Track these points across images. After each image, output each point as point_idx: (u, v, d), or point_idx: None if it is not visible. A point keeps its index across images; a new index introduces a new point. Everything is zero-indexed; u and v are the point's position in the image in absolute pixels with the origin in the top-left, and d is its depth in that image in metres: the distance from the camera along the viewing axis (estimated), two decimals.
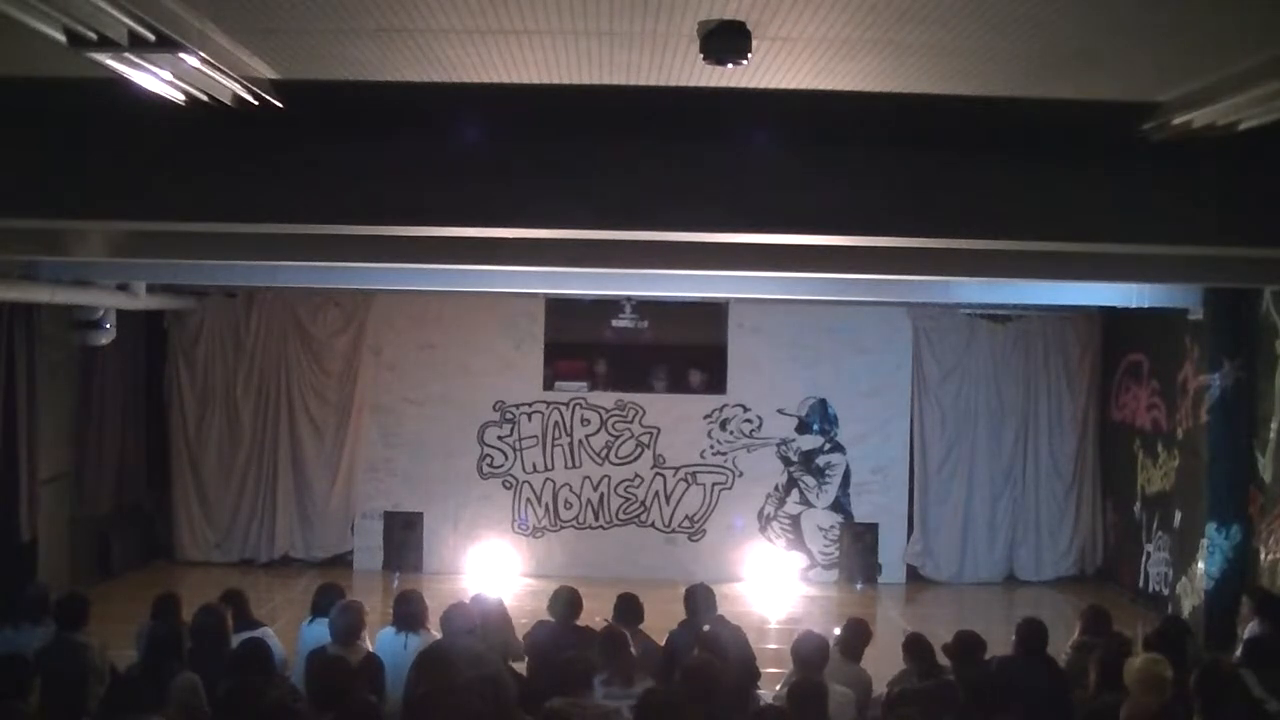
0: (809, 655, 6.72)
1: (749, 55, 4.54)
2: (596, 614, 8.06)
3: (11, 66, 5.11)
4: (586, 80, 5.30)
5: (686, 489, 14.05)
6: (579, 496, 14.09)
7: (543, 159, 6.16)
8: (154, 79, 4.70)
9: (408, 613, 7.57)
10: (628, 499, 14.08)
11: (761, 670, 7.73)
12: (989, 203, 6.29)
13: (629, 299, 12.81)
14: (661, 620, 8.08)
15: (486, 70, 5.16)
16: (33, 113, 5.86)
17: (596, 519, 14.09)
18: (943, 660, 6.90)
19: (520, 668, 7.59)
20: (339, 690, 5.83)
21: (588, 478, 14.09)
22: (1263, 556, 10.75)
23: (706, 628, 7.63)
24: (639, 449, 14.09)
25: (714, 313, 13.90)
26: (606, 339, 13.96)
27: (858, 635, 7.31)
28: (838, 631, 7.35)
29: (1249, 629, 8.09)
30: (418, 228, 6.83)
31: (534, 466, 14.08)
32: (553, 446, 14.11)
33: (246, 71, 5.05)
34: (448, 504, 13.92)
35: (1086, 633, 7.71)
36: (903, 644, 7.03)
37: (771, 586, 13.43)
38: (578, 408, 14.09)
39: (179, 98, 5.00)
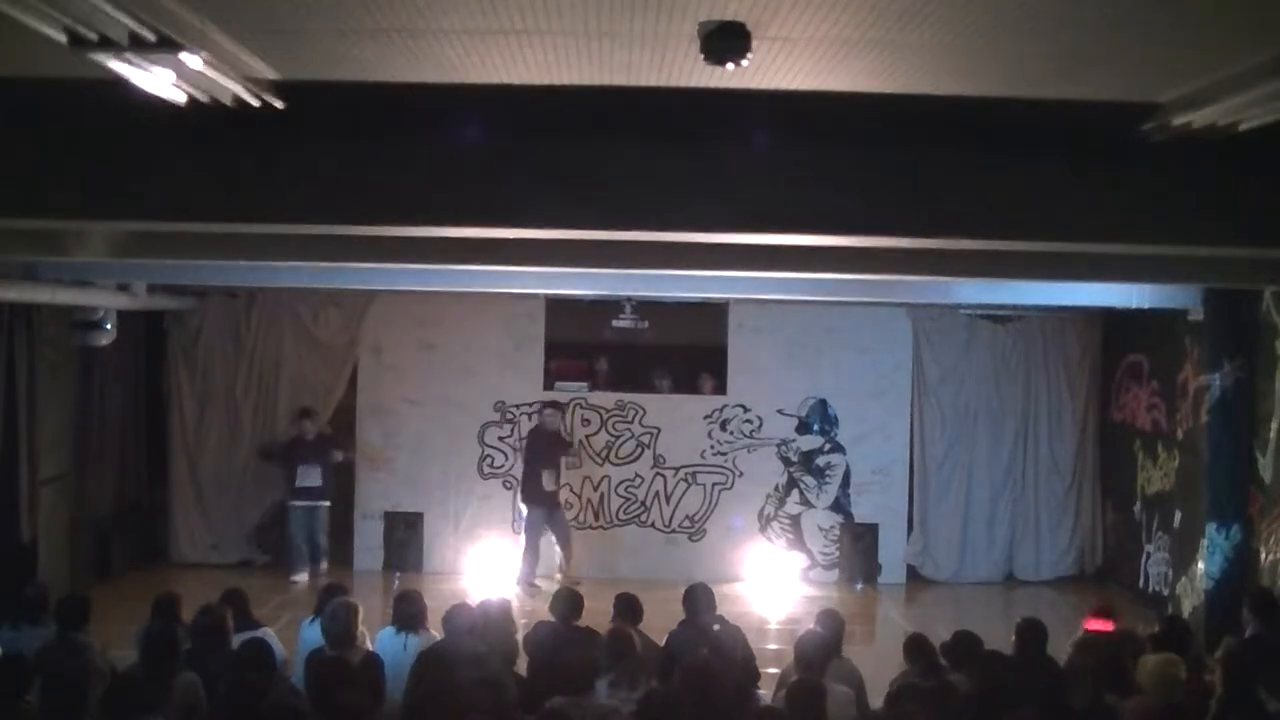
0: (811, 654, 6.73)
1: (749, 55, 4.55)
2: (596, 614, 8.06)
3: (11, 66, 5.11)
4: (586, 80, 5.30)
5: (687, 489, 14.04)
6: (579, 496, 14.06)
7: (543, 159, 6.17)
8: (155, 79, 4.71)
9: (408, 613, 7.58)
10: (628, 499, 14.06)
11: (761, 670, 7.73)
12: (989, 203, 6.29)
13: (629, 299, 12.79)
14: (661, 620, 8.08)
15: (486, 70, 5.16)
16: (33, 113, 5.86)
17: (597, 519, 14.07)
18: (943, 660, 6.90)
19: (521, 668, 7.58)
20: (336, 691, 5.85)
21: (588, 478, 14.06)
22: (1263, 556, 10.75)
23: (717, 627, 7.64)
24: (639, 449, 14.07)
25: (714, 313, 13.89)
26: (607, 339, 13.94)
27: (837, 629, 7.31)
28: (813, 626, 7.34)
29: (1250, 630, 8.10)
30: (418, 228, 6.83)
31: None
32: None
33: (247, 71, 5.05)
34: (448, 504, 13.91)
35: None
36: (904, 644, 7.03)
37: (771, 587, 13.43)
38: (578, 408, 14.08)
39: (180, 98, 5.01)
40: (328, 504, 13.33)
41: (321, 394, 13.92)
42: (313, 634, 7.51)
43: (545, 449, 13.22)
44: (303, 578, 12.96)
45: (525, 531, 13.30)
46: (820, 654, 6.77)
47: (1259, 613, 7.88)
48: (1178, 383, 12.03)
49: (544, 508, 13.18)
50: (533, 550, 13.20)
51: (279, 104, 5.45)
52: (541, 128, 6.06)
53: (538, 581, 12.92)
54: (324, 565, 13.31)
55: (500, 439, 14.02)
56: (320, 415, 13.72)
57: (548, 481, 13.15)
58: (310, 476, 13.15)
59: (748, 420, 13.99)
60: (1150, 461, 13.00)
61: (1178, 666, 6.28)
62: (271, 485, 13.76)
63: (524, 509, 13.34)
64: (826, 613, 7.58)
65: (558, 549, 13.34)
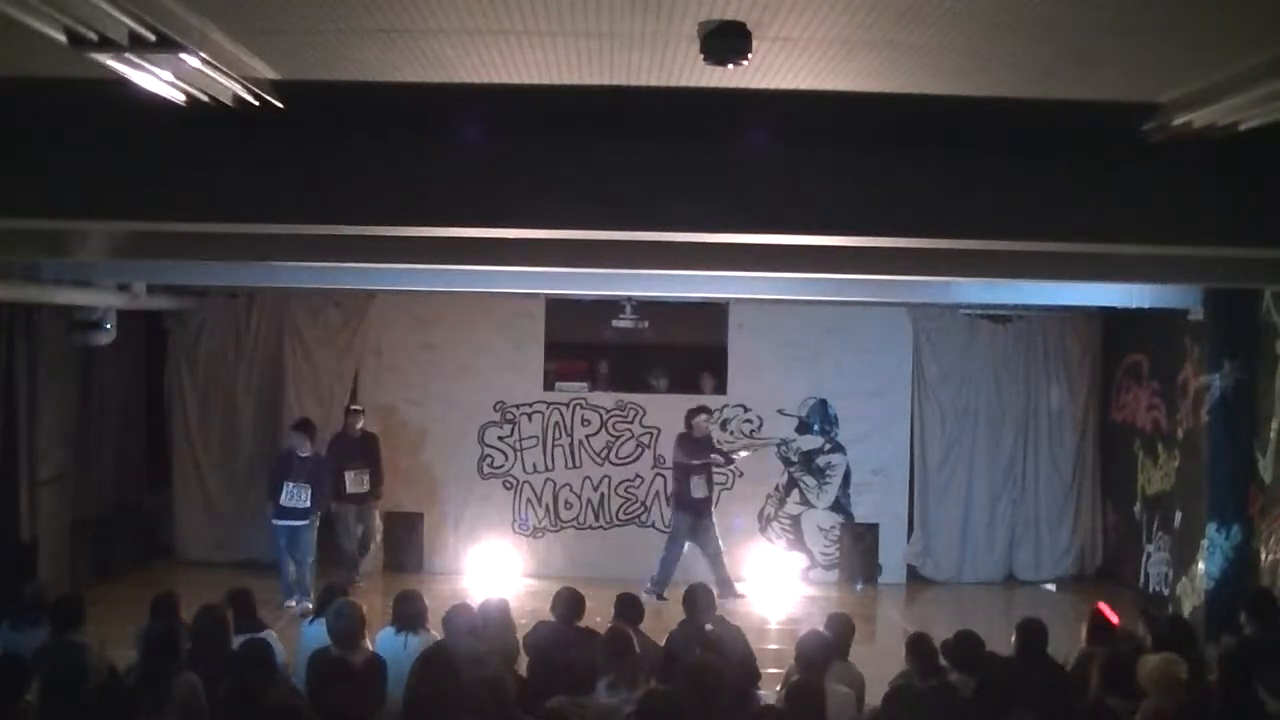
0: (811, 654, 6.73)
1: (749, 55, 4.55)
2: (597, 614, 8.06)
3: (11, 66, 5.11)
4: (587, 80, 5.30)
5: None
6: (579, 497, 14.07)
7: (543, 159, 6.16)
8: (154, 79, 4.71)
9: (408, 613, 7.58)
10: (628, 499, 14.06)
11: (761, 670, 7.73)
12: (989, 203, 6.29)
13: (629, 299, 12.79)
14: (662, 620, 8.08)
15: (486, 70, 5.16)
16: (33, 113, 5.86)
17: (597, 519, 14.08)
18: (944, 660, 6.90)
19: (521, 668, 7.58)
20: (337, 691, 5.85)
21: (588, 478, 14.07)
22: (1263, 557, 10.74)
23: (709, 627, 7.64)
24: (639, 449, 14.07)
25: (714, 313, 13.89)
26: (607, 339, 13.94)
27: (845, 632, 7.33)
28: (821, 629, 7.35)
29: (1247, 630, 8.09)
30: (418, 228, 6.83)
31: (534, 467, 14.07)
32: (553, 447, 14.10)
33: (246, 71, 5.05)
34: (448, 504, 13.91)
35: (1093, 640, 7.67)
36: (906, 643, 7.03)
37: (772, 587, 13.42)
38: (578, 408, 14.07)
39: (179, 98, 5.01)
40: (315, 522, 12.05)
41: (325, 395, 13.90)
42: (313, 634, 7.51)
43: (695, 454, 12.91)
44: (293, 604, 11.72)
45: (669, 539, 13.01)
46: (821, 654, 6.77)
47: (1256, 613, 7.88)
48: (1178, 383, 12.02)
49: (691, 514, 12.88)
50: (672, 559, 12.85)
51: (279, 104, 5.45)
52: (541, 128, 6.06)
53: (666, 594, 12.27)
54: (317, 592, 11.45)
55: (500, 439, 14.02)
56: (325, 421, 13.53)
57: (696, 488, 12.87)
58: (297, 497, 11.87)
59: (748, 420, 13.98)
60: (1150, 461, 13.00)
61: (1179, 666, 6.28)
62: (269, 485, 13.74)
63: (673, 517, 13.06)
64: (835, 616, 7.58)
65: (705, 559, 12.91)
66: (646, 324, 13.31)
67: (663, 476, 14.00)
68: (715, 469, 13.09)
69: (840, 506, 14.16)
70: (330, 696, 5.88)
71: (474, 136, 6.04)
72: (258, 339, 14.02)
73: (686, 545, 12.89)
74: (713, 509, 13.06)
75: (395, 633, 7.47)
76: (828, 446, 14.14)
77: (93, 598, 8.83)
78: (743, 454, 13.53)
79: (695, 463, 12.79)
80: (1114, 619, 7.76)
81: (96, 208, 6.32)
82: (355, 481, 12.73)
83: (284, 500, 11.87)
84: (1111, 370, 14.17)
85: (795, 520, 14.14)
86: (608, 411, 14.09)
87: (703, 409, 13.21)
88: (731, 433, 14.01)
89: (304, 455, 12.05)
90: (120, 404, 13.26)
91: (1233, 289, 10.70)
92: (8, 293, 9.95)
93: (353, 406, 13.19)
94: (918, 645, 6.89)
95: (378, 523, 13.18)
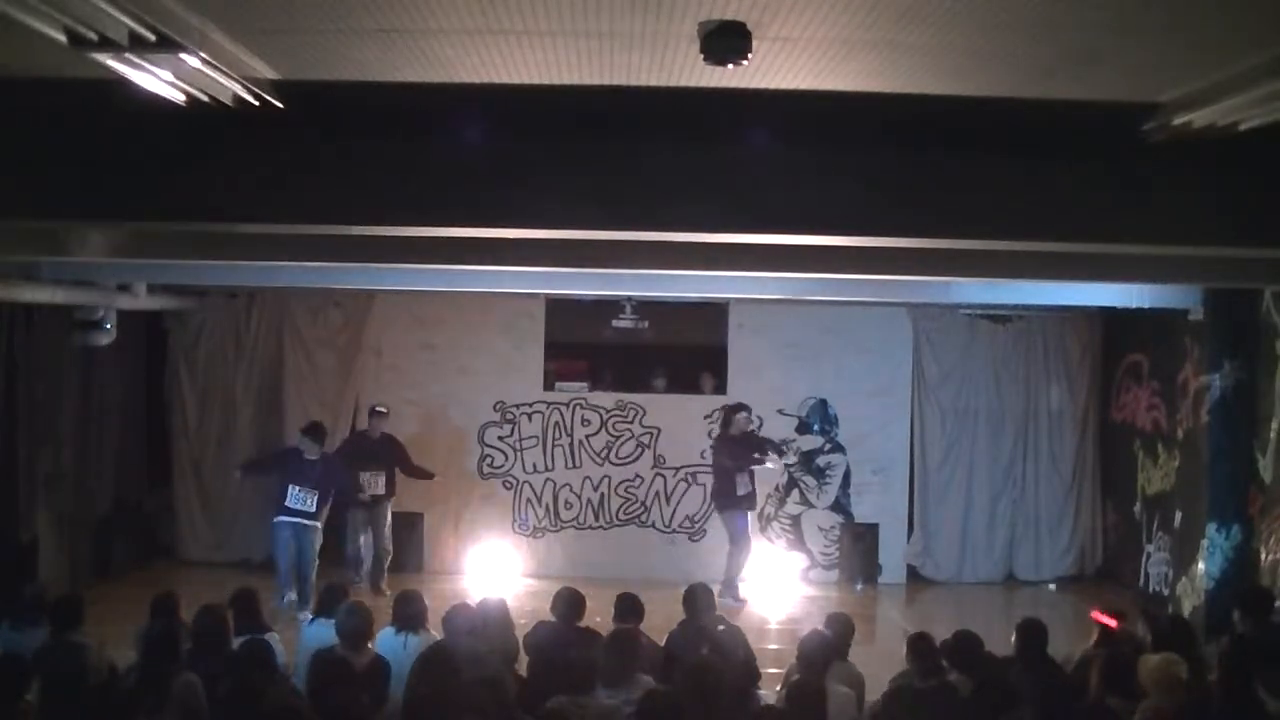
0: (812, 654, 6.74)
1: (749, 55, 4.55)
2: (597, 614, 8.07)
3: (11, 66, 5.11)
4: (587, 80, 5.31)
5: (687, 489, 14.03)
6: (579, 497, 14.07)
7: (543, 159, 6.17)
8: (154, 79, 4.71)
9: (408, 613, 7.58)
10: (628, 499, 14.06)
11: (761, 670, 7.73)
12: (989, 203, 6.29)
13: (629, 299, 12.79)
14: (661, 620, 8.08)
15: (486, 70, 5.16)
16: (33, 113, 5.86)
17: (597, 519, 14.07)
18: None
19: (521, 668, 7.58)
20: (337, 691, 5.85)
21: (588, 478, 14.07)
22: (1263, 557, 10.74)
23: (722, 627, 7.65)
24: (639, 449, 14.07)
25: (714, 313, 13.89)
26: (607, 339, 13.93)
27: (845, 632, 7.34)
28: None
29: (1240, 628, 8.09)
30: (418, 228, 6.83)
31: (534, 467, 14.06)
32: (553, 447, 14.10)
33: (246, 71, 5.06)
34: (448, 504, 13.91)
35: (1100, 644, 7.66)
36: (906, 643, 7.03)
37: (772, 587, 13.42)
38: (578, 408, 14.07)
39: (179, 98, 5.02)
40: (319, 525, 11.68)
41: (325, 396, 13.90)
42: (313, 634, 7.51)
43: (739, 453, 12.91)
44: (291, 598, 11.39)
45: (730, 540, 12.94)
46: (822, 654, 6.77)
47: (1250, 611, 7.88)
48: (1178, 383, 12.02)
49: (740, 512, 12.92)
50: (742, 557, 12.92)
51: (279, 104, 5.45)
52: (541, 128, 6.07)
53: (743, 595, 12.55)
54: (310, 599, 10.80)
55: (500, 439, 14.02)
56: (336, 424, 13.45)
57: (741, 486, 12.85)
58: (302, 500, 11.51)
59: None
60: (1150, 461, 13.00)
61: (1179, 666, 6.28)
62: (269, 485, 13.74)
63: (722, 519, 13.06)
64: (835, 616, 7.59)
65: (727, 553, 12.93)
66: (646, 324, 13.31)
67: (662, 476, 14.02)
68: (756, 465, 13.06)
69: (840, 506, 14.16)
70: (330, 697, 5.88)
71: (474, 136, 6.04)
72: (258, 339, 14.01)
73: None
74: (754, 508, 13.14)
75: (395, 633, 7.47)
76: (828, 446, 14.13)
77: (93, 598, 8.83)
78: (795, 452, 13.67)
79: (739, 465, 12.81)
80: (1112, 623, 7.76)
81: (96, 208, 6.32)
82: (370, 484, 12.53)
83: (289, 502, 11.55)
84: (1111, 370, 14.17)
85: (795, 520, 14.13)
86: (608, 411, 14.08)
87: (742, 407, 13.21)
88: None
89: (311, 459, 11.69)
90: (120, 404, 13.25)
91: (1233, 289, 10.70)
92: (8, 293, 9.94)
93: (378, 408, 12.99)
94: (918, 645, 6.88)
95: (388, 535, 12.77)
